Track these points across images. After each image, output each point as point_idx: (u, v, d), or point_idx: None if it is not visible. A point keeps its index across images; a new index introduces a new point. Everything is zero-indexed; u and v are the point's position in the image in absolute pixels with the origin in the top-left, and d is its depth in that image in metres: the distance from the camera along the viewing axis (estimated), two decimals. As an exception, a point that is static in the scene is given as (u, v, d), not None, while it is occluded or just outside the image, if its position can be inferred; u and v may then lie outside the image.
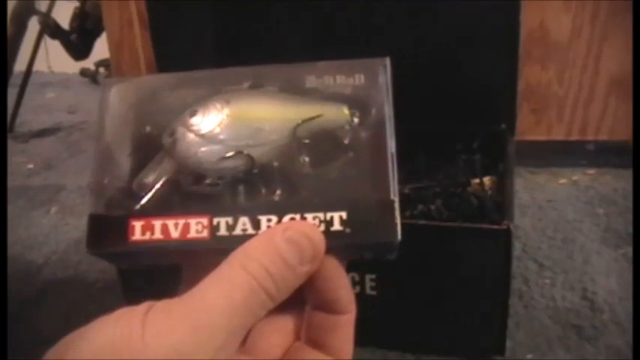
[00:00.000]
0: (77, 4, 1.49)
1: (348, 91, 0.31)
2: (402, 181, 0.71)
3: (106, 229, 0.29)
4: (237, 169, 0.30)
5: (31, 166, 1.35)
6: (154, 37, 0.81)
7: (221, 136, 0.30)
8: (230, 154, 0.30)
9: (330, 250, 0.27)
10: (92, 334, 0.23)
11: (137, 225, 0.29)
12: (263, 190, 0.29)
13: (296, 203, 0.28)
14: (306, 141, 0.30)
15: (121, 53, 1.17)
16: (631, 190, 1.00)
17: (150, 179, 0.30)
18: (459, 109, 0.79)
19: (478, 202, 0.72)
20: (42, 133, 1.57)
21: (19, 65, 1.56)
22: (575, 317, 0.73)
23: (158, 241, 0.28)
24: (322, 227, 0.28)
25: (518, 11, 0.73)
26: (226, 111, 0.30)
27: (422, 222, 0.63)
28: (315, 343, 0.29)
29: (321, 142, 0.30)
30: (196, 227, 0.28)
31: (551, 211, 0.98)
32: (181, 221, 0.28)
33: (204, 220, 0.28)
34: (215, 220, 0.28)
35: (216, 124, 0.30)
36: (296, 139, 0.30)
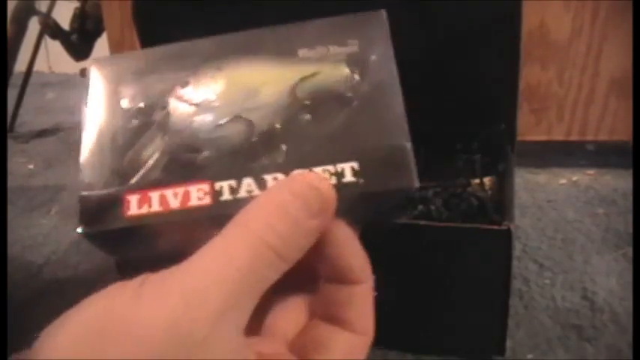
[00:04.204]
0: (77, 4, 1.49)
1: (344, 57, 0.30)
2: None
3: (100, 207, 0.27)
4: (236, 136, 0.28)
5: (31, 166, 1.34)
6: (141, 36, 0.81)
7: (216, 103, 0.29)
8: (227, 119, 0.28)
9: (341, 202, 0.25)
10: (85, 306, 0.23)
11: (133, 199, 0.27)
12: (266, 153, 0.27)
13: (302, 158, 0.27)
14: (307, 102, 0.29)
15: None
16: (631, 190, 1.00)
17: (142, 156, 0.28)
18: (459, 109, 0.79)
19: (478, 202, 0.72)
20: (42, 134, 1.57)
21: (20, 65, 1.56)
22: (575, 317, 0.73)
23: (157, 213, 0.26)
24: (334, 180, 0.26)
25: (519, 11, 0.73)
26: (219, 77, 0.29)
27: (422, 222, 0.63)
28: (332, 318, 0.27)
29: (323, 100, 0.29)
30: (197, 194, 0.26)
31: (551, 211, 0.98)
32: (180, 190, 0.27)
33: (206, 186, 0.27)
34: (217, 185, 0.27)
35: (210, 92, 0.29)
36: (296, 100, 0.29)
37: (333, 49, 0.30)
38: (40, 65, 1.81)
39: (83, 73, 2.07)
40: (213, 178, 0.27)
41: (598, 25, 0.99)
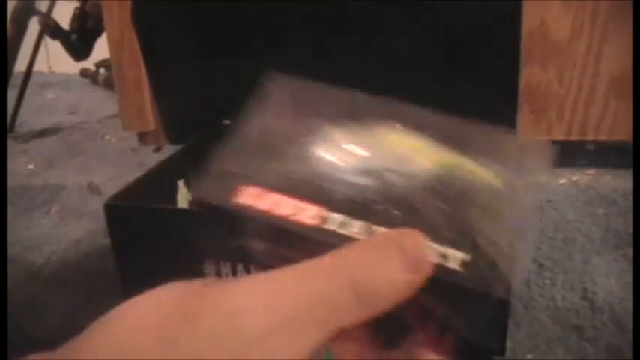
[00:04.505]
0: (77, 4, 1.49)
1: (496, 168, 0.30)
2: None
3: (214, 183, 0.28)
4: (368, 189, 0.28)
5: (31, 166, 1.35)
6: (141, 36, 0.81)
7: (360, 154, 0.30)
8: (365, 170, 0.29)
9: (433, 284, 0.25)
10: (143, 298, 0.23)
11: (246, 190, 0.28)
12: (385, 214, 0.28)
13: (417, 227, 0.26)
14: (444, 190, 0.28)
15: (122, 53, 1.17)
16: (631, 190, 1.00)
17: (275, 163, 0.29)
18: (458, 109, 0.79)
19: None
20: (42, 134, 1.57)
21: (20, 65, 1.57)
22: (575, 317, 0.73)
23: (262, 211, 0.27)
24: (438, 259, 0.26)
25: (519, 11, 0.73)
26: (374, 134, 0.30)
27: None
28: None
29: (459, 196, 0.28)
30: (309, 213, 0.27)
31: (551, 211, 0.98)
32: (296, 202, 0.27)
33: (320, 209, 0.27)
34: (330, 214, 0.27)
35: (359, 143, 0.30)
36: (433, 183, 0.28)
37: (490, 156, 0.31)
38: (40, 65, 1.81)
39: (83, 73, 2.07)
40: (330, 206, 0.27)
41: (598, 26, 0.99)
